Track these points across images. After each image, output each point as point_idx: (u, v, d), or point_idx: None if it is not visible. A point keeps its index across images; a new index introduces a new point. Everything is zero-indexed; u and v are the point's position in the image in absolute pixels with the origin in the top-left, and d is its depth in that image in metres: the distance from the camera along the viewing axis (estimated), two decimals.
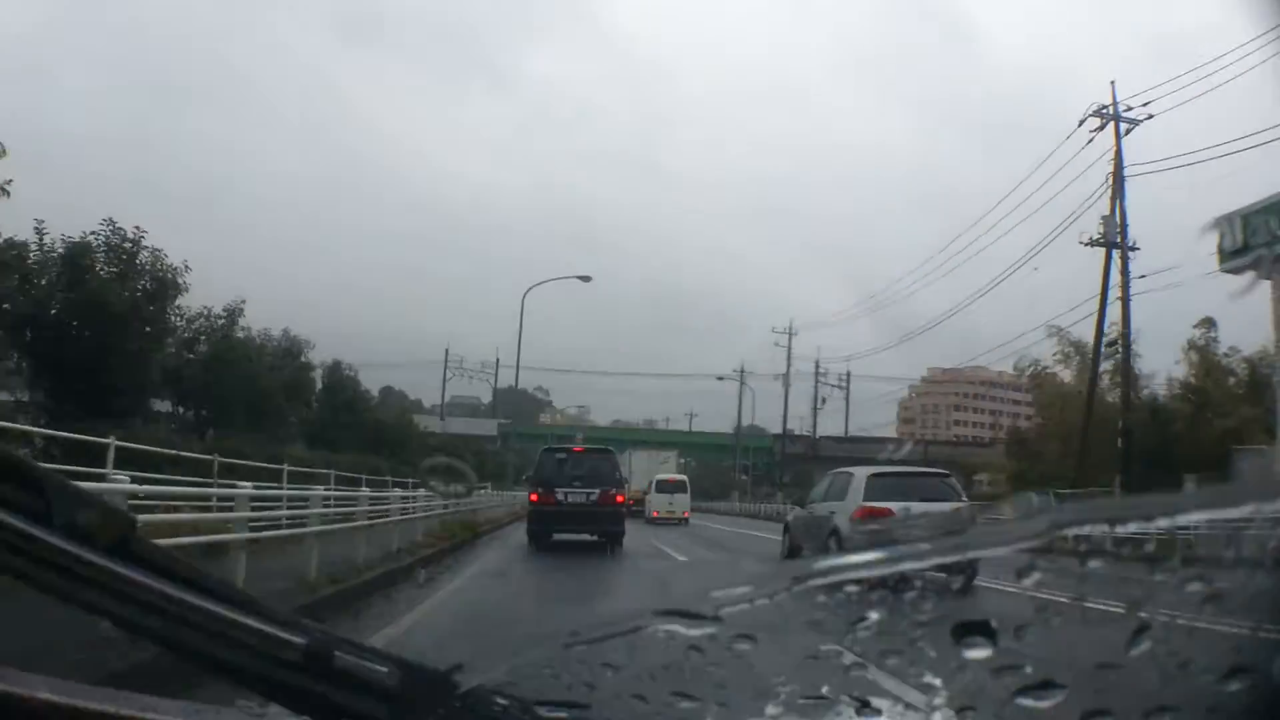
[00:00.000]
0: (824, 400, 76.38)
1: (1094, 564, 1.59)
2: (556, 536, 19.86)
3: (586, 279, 41.01)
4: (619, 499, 20.88)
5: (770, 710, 2.15)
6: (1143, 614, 1.57)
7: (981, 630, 1.63)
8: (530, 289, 41.08)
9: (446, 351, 66.46)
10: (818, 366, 77.00)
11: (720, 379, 77.54)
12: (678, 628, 1.71)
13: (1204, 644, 1.50)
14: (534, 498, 21.13)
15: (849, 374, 79.13)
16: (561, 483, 20.69)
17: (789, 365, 77.12)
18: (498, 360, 70.91)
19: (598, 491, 20.54)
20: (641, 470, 47.37)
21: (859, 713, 2.14)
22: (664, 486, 42.22)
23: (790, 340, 76.72)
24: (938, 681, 2.03)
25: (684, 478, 45.47)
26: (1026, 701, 1.75)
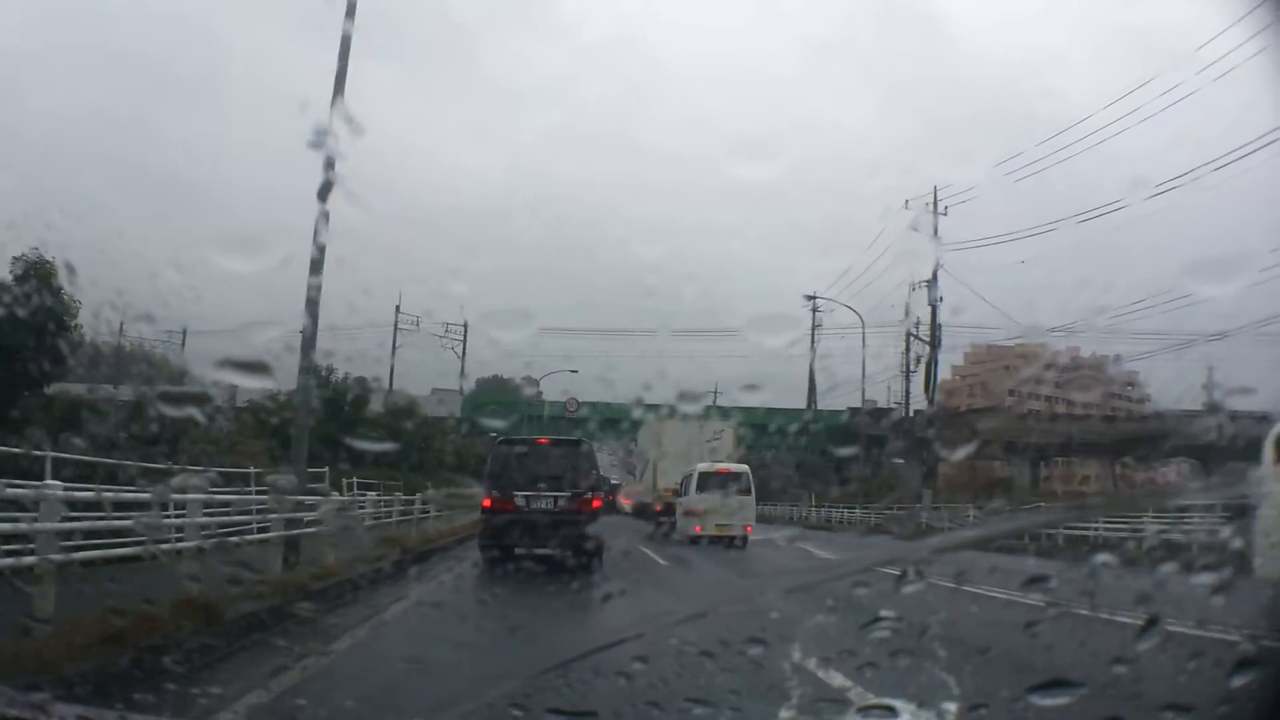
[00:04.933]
0: (919, 359, 51.42)
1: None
2: (517, 552, 15.91)
3: None
4: (595, 504, 17.50)
5: (784, 713, 2.18)
6: (1152, 609, 1.59)
7: (992, 630, 1.66)
8: None
9: (397, 309, 50.52)
10: (908, 311, 49.28)
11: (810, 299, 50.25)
12: (688, 635, 1.72)
13: (1212, 639, 1.51)
14: (487, 503, 17.47)
15: (940, 326, 51.09)
16: (521, 484, 17.04)
17: (937, 268, 47.14)
18: (465, 325, 53.71)
19: (567, 495, 16.95)
20: (673, 455, 30.52)
21: (873, 712, 2.16)
22: (711, 482, 26.18)
23: (937, 222, 47.79)
24: (950, 680, 2.05)
25: (744, 468, 27.57)
26: (1038, 699, 1.78)
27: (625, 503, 39.01)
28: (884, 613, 2.59)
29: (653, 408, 30.01)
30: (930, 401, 51.37)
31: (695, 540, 25.09)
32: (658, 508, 29.92)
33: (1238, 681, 1.52)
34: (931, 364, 49.49)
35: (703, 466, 27.14)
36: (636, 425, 34.59)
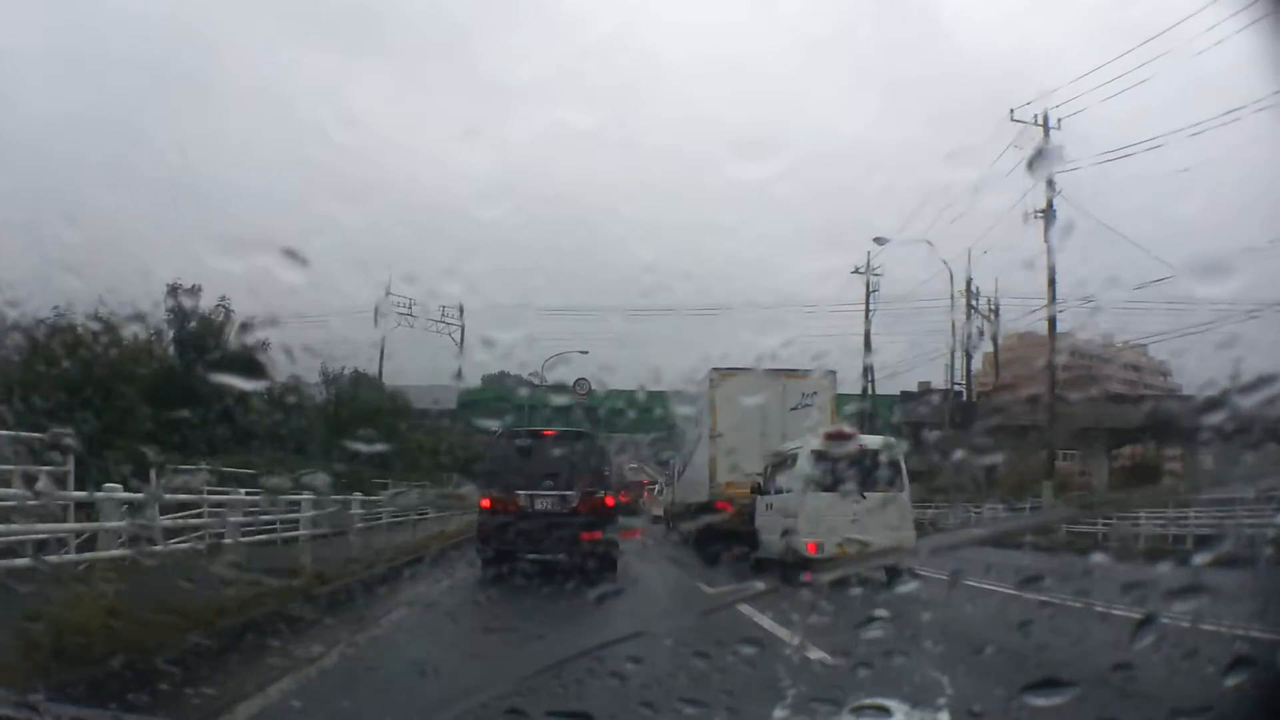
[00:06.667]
0: (981, 334, 41.93)
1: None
2: (520, 558, 14.29)
3: None
4: (609, 503, 16.13)
5: (778, 713, 2.17)
6: (1147, 608, 1.58)
7: (986, 629, 1.64)
8: None
9: (387, 290, 46.91)
10: (969, 282, 40.51)
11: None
12: (683, 635, 1.71)
13: (1207, 636, 1.50)
14: (486, 503, 16.15)
15: (997, 305, 41.77)
16: (524, 481, 15.72)
17: (1052, 196, 33.56)
18: (461, 309, 51.25)
19: (576, 494, 15.65)
20: (740, 430, 19.95)
21: (867, 712, 2.15)
22: (834, 467, 14.13)
23: (1048, 138, 35.78)
24: (944, 679, 2.04)
25: (893, 442, 16.48)
26: (1031, 699, 1.77)
27: (655, 506, 36.92)
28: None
29: (674, 394, 23.13)
30: (1050, 366, 36.53)
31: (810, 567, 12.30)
32: (728, 506, 18.49)
33: (1234, 679, 1.51)
34: (1050, 321, 34.83)
35: (816, 441, 15.31)
36: (648, 415, 27.21)
